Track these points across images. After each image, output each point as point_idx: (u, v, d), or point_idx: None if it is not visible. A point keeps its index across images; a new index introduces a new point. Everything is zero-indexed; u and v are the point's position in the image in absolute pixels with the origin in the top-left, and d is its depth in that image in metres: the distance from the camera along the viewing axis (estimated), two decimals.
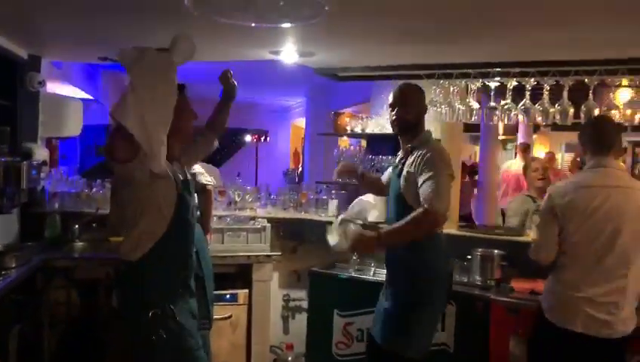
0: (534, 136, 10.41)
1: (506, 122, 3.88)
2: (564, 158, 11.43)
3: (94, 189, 4.39)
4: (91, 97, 6.58)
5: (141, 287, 2.15)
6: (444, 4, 2.55)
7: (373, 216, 4.21)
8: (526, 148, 8.22)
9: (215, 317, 3.70)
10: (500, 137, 9.93)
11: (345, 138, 6.09)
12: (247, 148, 10.60)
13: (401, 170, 2.80)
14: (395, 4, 2.56)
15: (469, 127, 7.84)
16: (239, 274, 3.95)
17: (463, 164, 8.60)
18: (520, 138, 9.71)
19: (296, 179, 8.98)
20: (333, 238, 3.01)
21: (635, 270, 2.59)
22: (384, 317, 2.80)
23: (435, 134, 3.57)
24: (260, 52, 3.59)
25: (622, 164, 2.82)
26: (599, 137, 2.67)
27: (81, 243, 4.06)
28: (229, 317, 3.78)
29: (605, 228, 2.57)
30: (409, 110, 2.77)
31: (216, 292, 3.74)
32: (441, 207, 2.56)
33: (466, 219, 6.74)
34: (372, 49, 3.53)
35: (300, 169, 9.94)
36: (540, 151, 10.78)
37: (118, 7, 2.79)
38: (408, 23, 2.91)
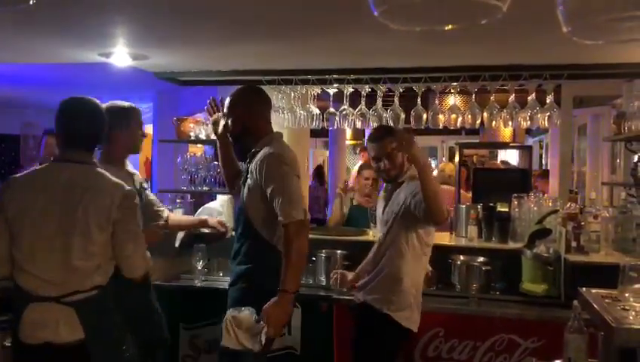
0: None
1: (345, 127, 4.02)
2: None
3: None
4: None
5: None
6: (266, 9, 2.53)
7: None
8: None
9: None
10: (350, 142, 10.38)
11: (199, 145, 5.93)
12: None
13: (246, 177, 2.69)
14: (213, 7, 2.50)
15: (319, 133, 8.11)
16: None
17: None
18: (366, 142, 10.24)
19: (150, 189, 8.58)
20: (246, 340, 2.50)
21: None
22: None
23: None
24: (89, 54, 3.36)
25: None
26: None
27: None
28: None
29: None
30: (235, 118, 2.67)
31: None
32: (299, 213, 2.48)
33: (320, 222, 6.91)
34: (207, 52, 3.47)
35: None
36: None
37: None
38: (233, 26, 2.84)
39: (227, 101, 2.71)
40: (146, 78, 4.37)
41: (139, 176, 3.06)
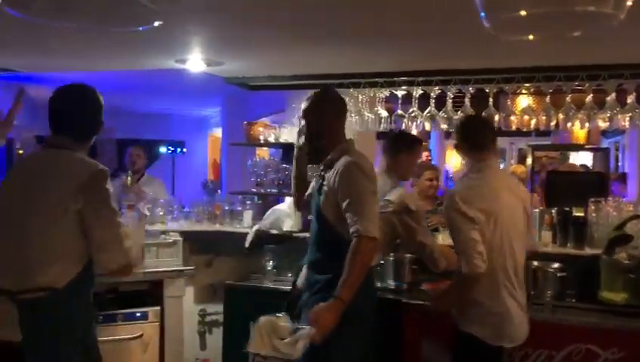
0: (447, 142, 10.82)
1: (414, 129, 3.99)
2: None
3: None
4: None
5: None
6: (336, 15, 2.54)
7: (287, 226, 4.20)
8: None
9: (125, 336, 3.57)
10: None
11: (265, 148, 6.06)
12: (162, 160, 10.31)
13: (322, 184, 2.65)
14: (285, 14, 2.55)
15: (385, 135, 8.07)
16: (150, 291, 3.80)
17: None
18: (434, 144, 10.08)
19: (217, 191, 8.84)
20: (283, 347, 2.45)
21: None
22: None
23: None
24: (166, 61, 3.50)
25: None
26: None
27: None
28: (140, 336, 3.63)
29: (510, 230, 2.65)
30: (311, 121, 2.65)
31: (125, 310, 3.62)
32: (373, 229, 2.43)
33: None
34: (276, 57, 3.53)
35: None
36: (453, 156, 11.18)
37: None
38: (302, 31, 2.88)
39: (305, 104, 2.70)
40: (215, 82, 4.50)
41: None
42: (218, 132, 10.03)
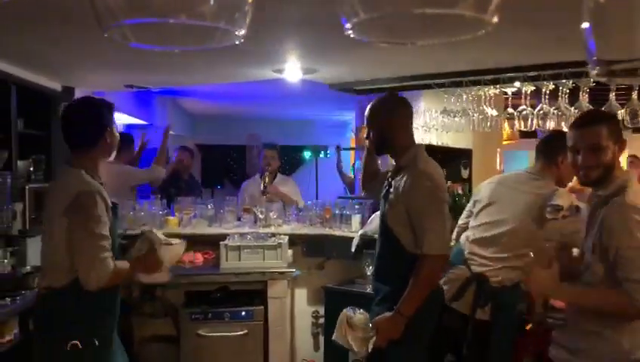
0: None
1: (522, 128, 3.70)
2: None
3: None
4: (145, 123, 6.96)
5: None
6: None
7: None
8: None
9: (231, 333, 3.78)
10: None
11: None
12: (307, 165, 10.70)
13: (388, 191, 2.58)
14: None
15: (527, 133, 7.53)
16: (259, 291, 3.98)
17: None
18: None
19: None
20: (354, 341, 2.63)
21: None
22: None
23: (465, 144, 3.35)
24: (263, 71, 3.65)
25: None
26: None
27: None
28: (245, 334, 3.82)
29: None
30: (375, 129, 2.59)
31: (231, 309, 3.83)
32: (443, 247, 2.40)
33: None
34: (371, 61, 3.48)
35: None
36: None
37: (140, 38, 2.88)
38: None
39: (367, 112, 2.64)
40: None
41: None
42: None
